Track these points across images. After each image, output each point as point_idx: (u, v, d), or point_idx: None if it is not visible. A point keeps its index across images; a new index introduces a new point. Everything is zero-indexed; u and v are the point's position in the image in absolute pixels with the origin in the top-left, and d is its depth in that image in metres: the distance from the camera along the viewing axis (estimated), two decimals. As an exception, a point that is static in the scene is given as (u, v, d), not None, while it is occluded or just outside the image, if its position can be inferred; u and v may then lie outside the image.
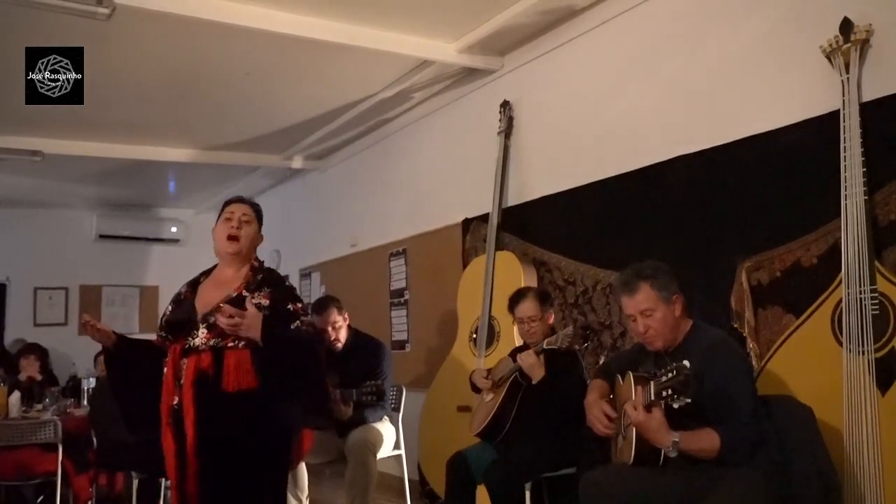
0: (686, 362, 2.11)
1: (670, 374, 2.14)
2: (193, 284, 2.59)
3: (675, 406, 2.13)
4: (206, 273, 2.62)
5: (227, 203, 2.63)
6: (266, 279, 2.51)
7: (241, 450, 2.33)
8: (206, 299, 2.47)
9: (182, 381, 2.33)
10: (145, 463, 4.37)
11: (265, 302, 2.41)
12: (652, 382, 2.22)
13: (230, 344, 2.34)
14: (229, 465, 2.31)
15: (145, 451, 4.36)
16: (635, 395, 2.25)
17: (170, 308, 2.54)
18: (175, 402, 2.35)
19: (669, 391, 2.12)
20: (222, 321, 2.29)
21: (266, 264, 2.65)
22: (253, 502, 2.37)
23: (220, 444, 2.30)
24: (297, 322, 2.44)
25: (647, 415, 2.20)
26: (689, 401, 2.10)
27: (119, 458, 4.36)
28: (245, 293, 2.42)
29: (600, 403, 2.63)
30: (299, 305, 2.52)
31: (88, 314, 2.54)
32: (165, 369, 2.40)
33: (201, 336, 2.35)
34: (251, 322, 2.30)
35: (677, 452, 2.24)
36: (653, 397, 2.19)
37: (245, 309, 2.32)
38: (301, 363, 2.42)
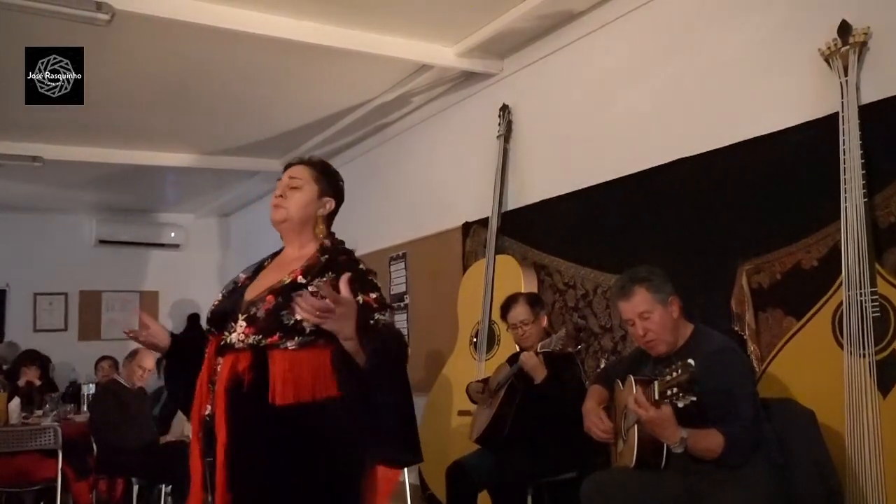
0: (691, 360, 2.09)
1: (675, 373, 2.12)
2: (258, 270, 2.05)
3: (680, 405, 2.11)
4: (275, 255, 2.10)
5: (285, 170, 2.14)
6: (332, 262, 1.91)
7: (287, 484, 1.75)
8: (258, 286, 1.94)
9: (216, 386, 1.83)
10: (145, 469, 4.38)
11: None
12: (656, 381, 2.20)
13: (280, 343, 1.78)
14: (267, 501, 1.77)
15: (145, 457, 4.40)
16: (640, 393, 2.23)
17: (220, 297, 2.02)
18: (207, 412, 1.85)
19: (675, 389, 2.10)
20: (304, 307, 1.64)
21: None
22: None
23: (259, 472, 1.76)
24: (373, 320, 1.80)
25: (657, 410, 2.16)
26: (694, 399, 2.09)
27: (119, 464, 4.36)
28: (301, 279, 1.85)
29: (597, 410, 2.62)
30: (373, 297, 1.86)
31: (145, 315, 2.04)
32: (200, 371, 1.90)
33: (239, 330, 1.82)
34: (347, 311, 1.66)
35: (683, 449, 2.22)
36: (657, 396, 2.17)
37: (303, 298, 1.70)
38: (388, 374, 1.78)
